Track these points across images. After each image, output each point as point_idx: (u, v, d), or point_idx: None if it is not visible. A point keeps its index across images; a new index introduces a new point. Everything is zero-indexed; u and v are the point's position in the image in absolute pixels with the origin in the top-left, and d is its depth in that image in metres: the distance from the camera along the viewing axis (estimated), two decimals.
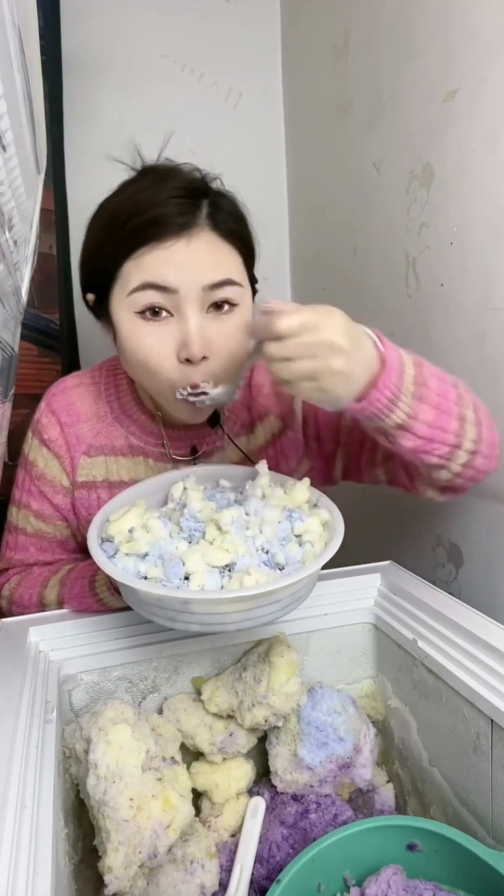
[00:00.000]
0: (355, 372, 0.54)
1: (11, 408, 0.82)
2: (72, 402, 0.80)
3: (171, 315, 0.64)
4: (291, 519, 0.62)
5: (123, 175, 0.71)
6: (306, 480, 0.67)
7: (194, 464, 0.81)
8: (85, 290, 0.71)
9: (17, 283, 0.69)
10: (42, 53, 0.71)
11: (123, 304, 0.65)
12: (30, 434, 0.82)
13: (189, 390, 0.65)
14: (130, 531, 0.60)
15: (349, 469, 0.83)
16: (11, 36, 0.48)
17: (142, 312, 0.64)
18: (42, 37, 0.78)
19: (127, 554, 0.58)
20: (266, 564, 0.58)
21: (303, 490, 0.66)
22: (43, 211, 0.87)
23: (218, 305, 0.65)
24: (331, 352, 0.51)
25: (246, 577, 0.55)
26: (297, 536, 0.61)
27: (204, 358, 0.64)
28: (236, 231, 0.67)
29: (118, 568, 0.56)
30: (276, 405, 0.83)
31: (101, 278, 0.67)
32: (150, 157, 0.71)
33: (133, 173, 0.70)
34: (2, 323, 0.64)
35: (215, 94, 1.38)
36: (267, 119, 1.43)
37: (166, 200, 0.62)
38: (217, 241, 0.64)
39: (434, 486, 0.70)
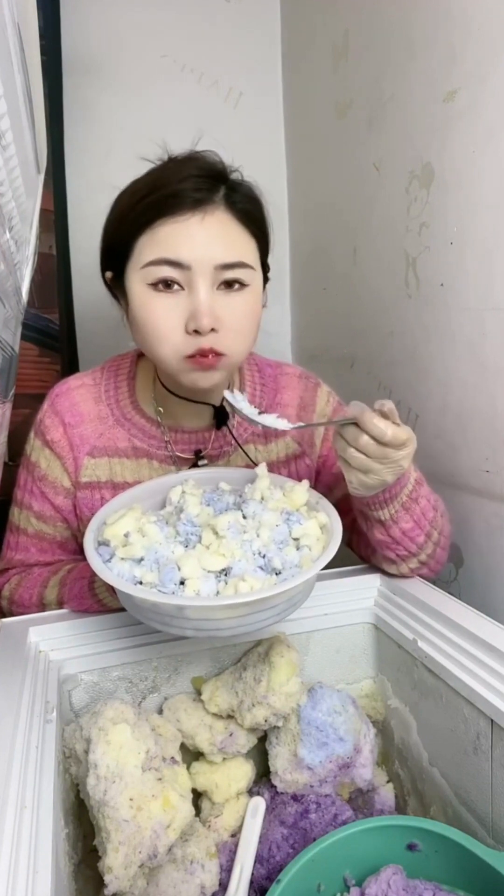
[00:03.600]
0: (388, 484, 0.65)
1: (11, 408, 0.81)
2: (75, 402, 0.80)
3: (182, 288, 0.66)
4: (289, 522, 0.62)
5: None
6: (305, 482, 0.67)
7: (197, 465, 0.81)
8: (104, 268, 0.73)
9: (17, 283, 0.69)
10: (42, 53, 0.71)
11: (137, 276, 0.67)
12: (32, 434, 0.82)
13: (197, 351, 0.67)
14: (126, 535, 0.60)
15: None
16: (11, 35, 0.48)
17: (154, 284, 0.66)
18: (42, 37, 0.78)
19: (122, 558, 0.58)
20: (262, 569, 0.57)
21: (302, 492, 0.66)
22: (43, 211, 0.87)
23: (228, 283, 0.67)
24: (394, 469, 0.63)
25: (241, 584, 0.54)
26: (295, 540, 0.61)
27: (212, 330, 0.66)
28: (251, 214, 0.69)
29: (113, 573, 0.56)
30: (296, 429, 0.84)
31: (117, 253, 0.68)
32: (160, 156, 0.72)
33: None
34: (2, 323, 0.64)
35: (215, 94, 1.37)
36: (267, 119, 1.43)
37: (185, 178, 0.65)
38: (231, 221, 0.67)
39: (382, 569, 0.77)
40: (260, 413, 0.65)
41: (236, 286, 0.67)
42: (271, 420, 0.64)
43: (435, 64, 0.86)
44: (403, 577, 0.76)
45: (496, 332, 0.79)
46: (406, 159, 0.94)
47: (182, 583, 0.56)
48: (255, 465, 0.79)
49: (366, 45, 1.05)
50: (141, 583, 0.56)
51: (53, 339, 1.27)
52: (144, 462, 0.80)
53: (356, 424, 0.60)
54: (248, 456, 0.81)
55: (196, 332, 0.65)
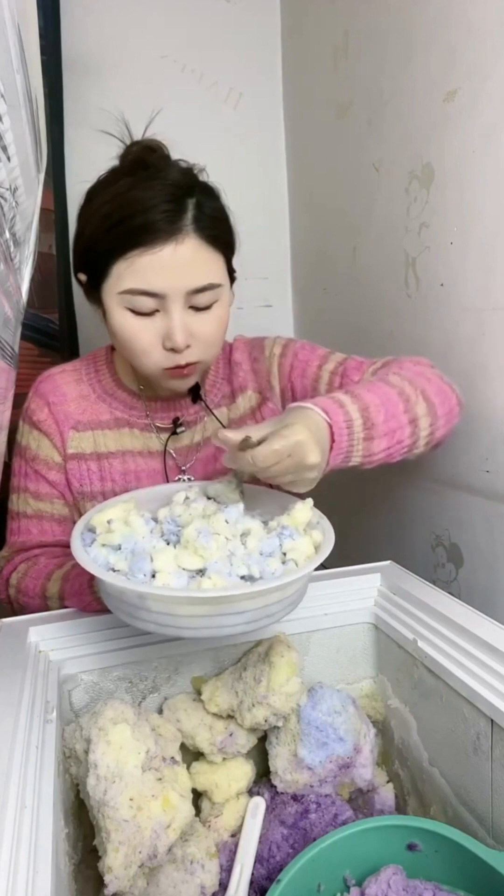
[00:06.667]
0: (322, 465, 0.63)
1: (12, 408, 0.82)
2: (58, 385, 0.87)
3: (158, 310, 0.71)
4: (282, 536, 0.61)
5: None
6: (309, 501, 0.66)
7: (176, 433, 0.86)
8: (76, 270, 0.77)
9: (17, 283, 0.69)
10: (42, 53, 0.72)
11: (115, 299, 0.71)
12: (21, 422, 0.87)
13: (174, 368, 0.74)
14: (109, 522, 0.60)
15: None
16: (11, 35, 0.48)
17: (131, 309, 0.71)
18: (42, 37, 0.78)
19: (103, 545, 0.58)
20: (241, 577, 0.56)
21: (304, 511, 0.64)
22: (43, 211, 0.87)
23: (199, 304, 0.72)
24: (306, 469, 0.61)
25: (206, 581, 0.53)
26: (283, 554, 0.60)
27: (187, 346, 0.72)
28: (219, 236, 0.72)
29: (90, 556, 0.56)
30: (253, 381, 0.90)
31: (92, 269, 0.72)
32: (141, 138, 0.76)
33: (122, 147, 0.75)
34: (2, 323, 0.64)
35: (215, 94, 1.37)
36: (267, 119, 1.43)
37: (156, 205, 0.67)
38: (201, 245, 0.70)
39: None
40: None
41: (207, 306, 0.72)
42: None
43: (434, 64, 0.86)
44: (430, 450, 0.79)
45: (496, 332, 0.79)
46: (406, 159, 0.95)
47: (154, 576, 0.55)
48: (224, 425, 0.87)
49: (366, 45, 1.05)
50: (114, 570, 0.56)
51: (53, 339, 1.27)
52: (126, 431, 0.86)
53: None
54: (219, 421, 0.88)
55: (172, 349, 0.71)
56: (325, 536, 0.61)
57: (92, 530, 0.61)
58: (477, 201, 0.80)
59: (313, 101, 1.28)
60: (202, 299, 0.71)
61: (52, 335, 1.27)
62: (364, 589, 0.76)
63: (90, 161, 1.26)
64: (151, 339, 0.72)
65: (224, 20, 1.36)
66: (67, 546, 0.82)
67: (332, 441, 0.66)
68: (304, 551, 0.59)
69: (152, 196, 0.68)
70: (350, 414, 0.68)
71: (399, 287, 0.99)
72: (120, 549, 0.58)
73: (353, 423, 0.68)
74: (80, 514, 0.85)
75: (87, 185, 1.26)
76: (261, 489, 0.73)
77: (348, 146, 1.14)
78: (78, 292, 1.29)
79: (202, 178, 0.74)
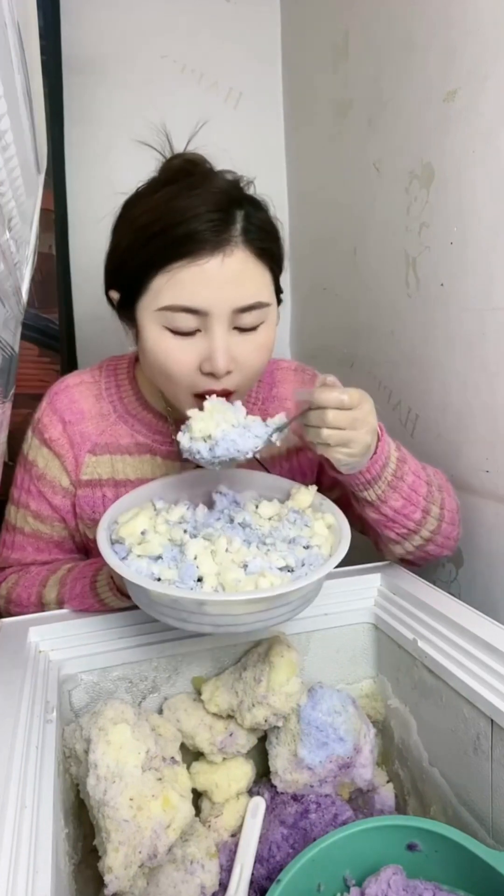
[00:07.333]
0: (371, 447, 0.64)
1: (11, 407, 0.81)
2: (74, 400, 0.80)
3: (199, 330, 0.65)
4: (298, 523, 0.63)
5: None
6: (313, 487, 0.68)
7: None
8: (109, 287, 0.71)
9: (17, 283, 0.69)
10: (42, 53, 0.71)
11: (151, 316, 0.65)
12: (30, 433, 0.81)
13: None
14: (143, 533, 0.60)
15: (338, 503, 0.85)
16: (11, 35, 0.48)
17: (170, 328, 0.65)
18: (42, 37, 0.78)
19: (139, 556, 0.58)
20: (278, 567, 0.58)
21: (307, 495, 0.67)
22: (43, 211, 0.87)
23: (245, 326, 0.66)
24: (367, 428, 0.62)
25: (261, 580, 0.55)
26: (304, 539, 0.62)
27: (228, 372, 0.66)
28: (268, 250, 0.67)
29: (131, 569, 0.56)
30: (296, 423, 0.83)
31: (128, 283, 0.67)
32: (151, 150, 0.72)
33: (162, 160, 0.71)
34: (2, 323, 0.64)
35: (215, 94, 1.37)
36: (267, 119, 1.42)
37: (201, 214, 0.62)
38: (249, 259, 0.65)
39: (392, 556, 0.77)
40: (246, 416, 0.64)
41: (252, 327, 0.67)
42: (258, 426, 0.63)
43: (434, 64, 0.86)
44: (415, 561, 0.76)
45: (496, 332, 0.79)
46: (406, 159, 0.94)
47: (199, 580, 0.56)
48: (258, 460, 0.80)
49: (366, 45, 1.05)
50: (159, 579, 0.56)
51: (53, 339, 1.27)
52: (147, 458, 0.80)
53: (313, 409, 0.61)
54: (257, 459, 0.80)
55: (210, 374, 0.65)
56: (336, 517, 0.65)
57: (118, 542, 0.60)
58: (477, 201, 0.80)
59: (313, 101, 1.28)
60: (248, 319, 0.65)
61: (51, 335, 1.27)
62: (364, 589, 0.76)
63: (90, 161, 1.27)
64: (189, 361, 0.65)
65: (224, 20, 1.36)
66: (66, 561, 0.81)
67: (371, 459, 0.65)
68: (322, 534, 0.63)
69: (197, 204, 0.62)
70: (390, 453, 0.67)
71: (399, 287, 0.99)
72: (159, 558, 0.58)
73: (388, 462, 0.67)
74: (80, 536, 0.83)
75: (88, 186, 1.26)
76: (256, 473, 0.74)
77: (348, 146, 1.14)
78: (78, 292, 1.31)
79: (249, 190, 0.70)
